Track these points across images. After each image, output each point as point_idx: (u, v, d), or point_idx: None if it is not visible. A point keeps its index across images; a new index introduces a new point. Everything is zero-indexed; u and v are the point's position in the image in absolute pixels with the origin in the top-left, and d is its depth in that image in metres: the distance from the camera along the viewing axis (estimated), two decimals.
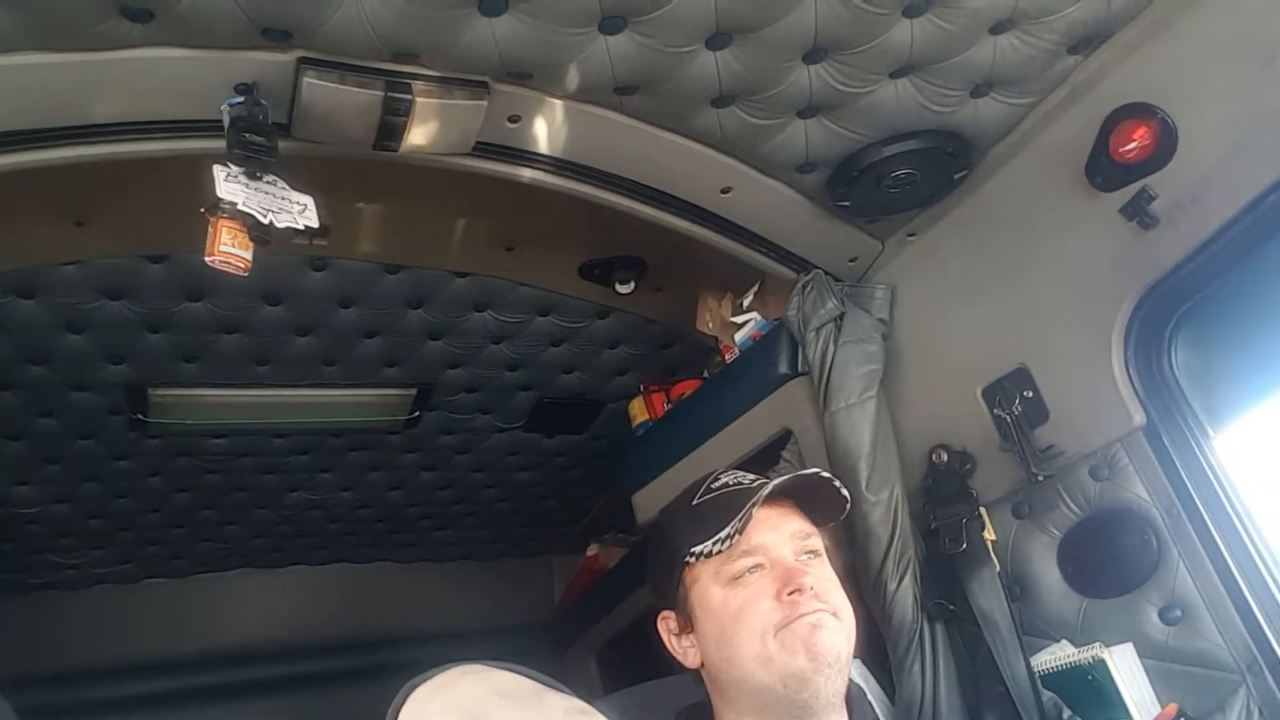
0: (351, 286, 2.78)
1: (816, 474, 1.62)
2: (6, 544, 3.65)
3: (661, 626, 1.67)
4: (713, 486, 1.64)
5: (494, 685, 1.35)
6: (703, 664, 1.61)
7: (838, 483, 1.62)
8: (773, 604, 1.52)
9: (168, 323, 2.76)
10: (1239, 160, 1.78)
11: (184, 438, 3.33)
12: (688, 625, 1.62)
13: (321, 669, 4.33)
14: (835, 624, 1.54)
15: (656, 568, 1.68)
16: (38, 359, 2.82)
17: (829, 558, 1.65)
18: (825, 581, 1.58)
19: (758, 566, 1.56)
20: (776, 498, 1.61)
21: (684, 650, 1.63)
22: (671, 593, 1.63)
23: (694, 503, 1.64)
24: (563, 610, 4.73)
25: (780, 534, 1.59)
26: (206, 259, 1.82)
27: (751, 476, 1.65)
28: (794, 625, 1.50)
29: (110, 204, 2.37)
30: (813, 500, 1.65)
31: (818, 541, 1.62)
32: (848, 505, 1.65)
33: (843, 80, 1.95)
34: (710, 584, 1.58)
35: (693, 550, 1.57)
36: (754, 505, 1.53)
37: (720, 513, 1.57)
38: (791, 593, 1.51)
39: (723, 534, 1.54)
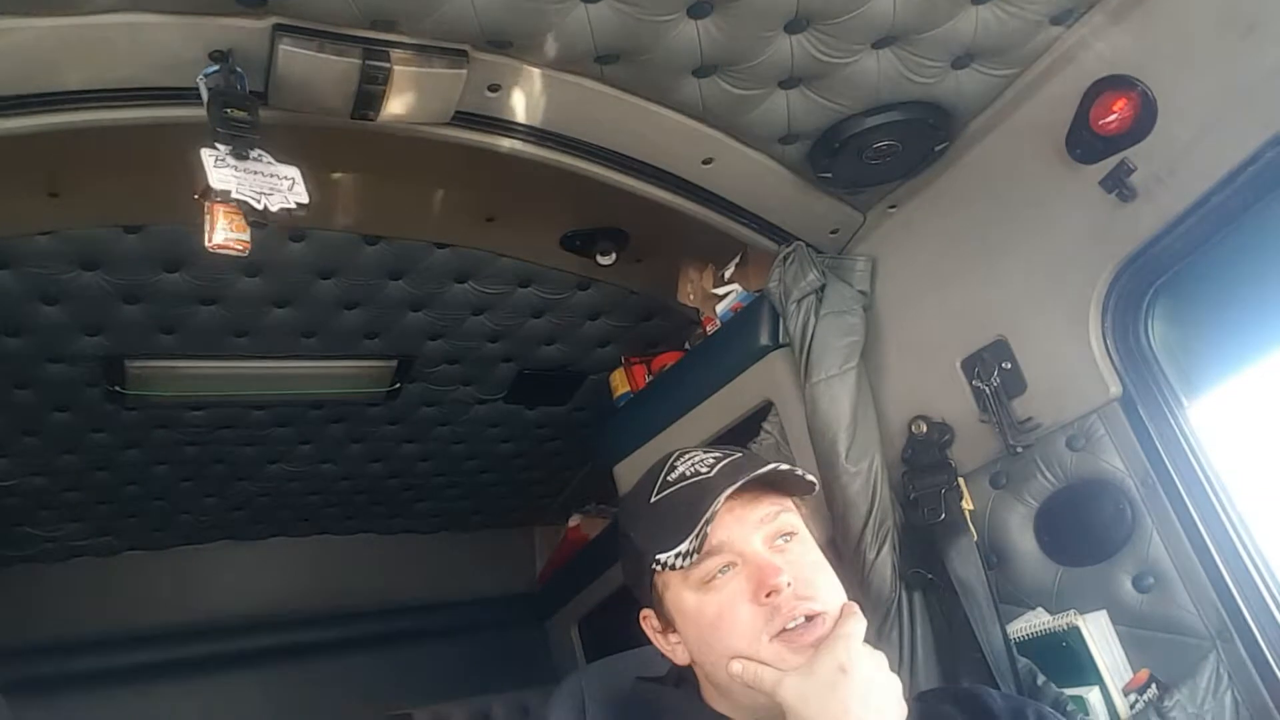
0: (331, 257, 2.76)
1: (774, 469, 1.47)
2: None
3: (645, 625, 1.58)
4: (669, 480, 1.52)
5: None
6: (692, 660, 1.58)
7: (799, 471, 1.49)
8: (752, 609, 1.41)
9: (144, 294, 2.74)
10: (1217, 133, 1.79)
11: (162, 410, 3.31)
12: (669, 625, 1.54)
13: (301, 641, 4.32)
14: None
15: (628, 569, 1.59)
16: (12, 331, 2.79)
17: (808, 528, 1.54)
18: (804, 568, 1.45)
19: (729, 565, 1.44)
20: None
21: (671, 647, 1.54)
22: (647, 594, 1.55)
23: (651, 500, 1.52)
24: (545, 580, 4.75)
25: (746, 526, 1.46)
26: (208, 246, 1.81)
27: (711, 459, 1.52)
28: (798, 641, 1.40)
29: (85, 174, 2.34)
30: (779, 480, 1.51)
31: (791, 518, 1.50)
32: (816, 487, 1.54)
33: (824, 50, 1.94)
34: (681, 589, 1.48)
35: (657, 559, 1.46)
36: (708, 522, 1.42)
37: (678, 513, 1.45)
38: (768, 594, 1.40)
39: (682, 548, 1.43)
